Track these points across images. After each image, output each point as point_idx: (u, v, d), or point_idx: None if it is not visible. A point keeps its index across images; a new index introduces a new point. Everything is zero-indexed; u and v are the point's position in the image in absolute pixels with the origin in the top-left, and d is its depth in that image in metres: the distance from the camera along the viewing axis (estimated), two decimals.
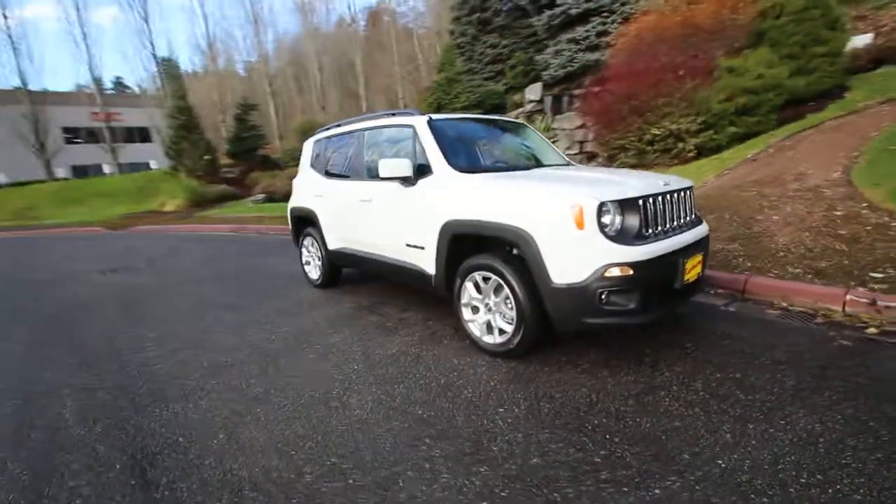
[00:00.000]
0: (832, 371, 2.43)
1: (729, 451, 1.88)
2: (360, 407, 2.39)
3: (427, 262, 3.23)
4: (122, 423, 2.40)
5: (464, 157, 3.30)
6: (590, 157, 11.40)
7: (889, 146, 5.70)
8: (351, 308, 4.02)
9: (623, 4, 14.34)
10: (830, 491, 1.63)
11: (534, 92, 16.60)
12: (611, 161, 9.33)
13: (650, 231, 2.56)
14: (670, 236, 2.62)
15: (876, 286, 3.32)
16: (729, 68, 8.14)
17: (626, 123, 8.81)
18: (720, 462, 1.82)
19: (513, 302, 2.66)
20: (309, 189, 4.60)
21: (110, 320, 4.23)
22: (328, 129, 4.69)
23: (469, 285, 2.94)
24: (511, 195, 2.68)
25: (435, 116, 3.43)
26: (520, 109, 16.73)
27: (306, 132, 20.40)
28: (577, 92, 14.58)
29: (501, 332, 2.81)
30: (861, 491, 1.62)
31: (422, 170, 3.22)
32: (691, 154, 8.26)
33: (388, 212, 3.54)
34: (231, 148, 19.56)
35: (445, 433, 2.12)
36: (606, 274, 2.37)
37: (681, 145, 8.31)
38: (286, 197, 16.87)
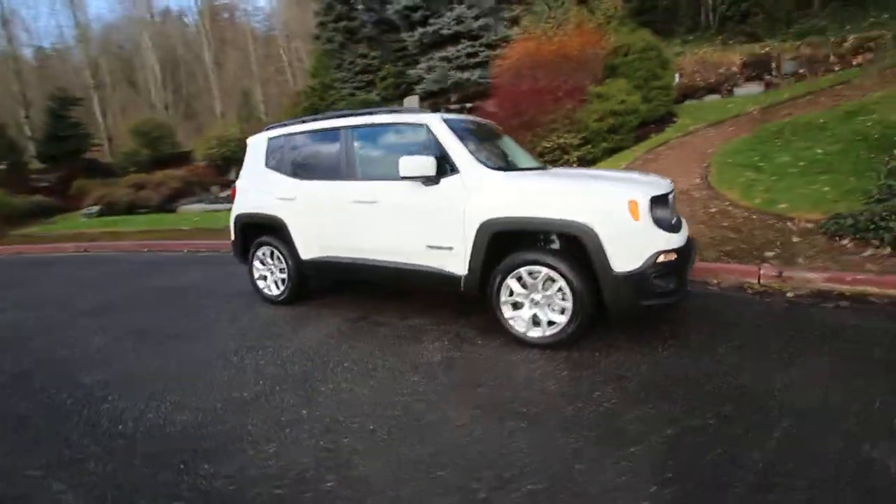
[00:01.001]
0: (802, 326, 3.13)
1: (808, 392, 2.26)
2: (464, 417, 2.25)
3: (455, 262, 3.15)
4: (173, 491, 1.83)
5: (483, 155, 3.32)
6: None
7: (727, 159, 7.42)
8: (344, 322, 3.66)
9: (487, 30, 15.68)
10: None
11: (411, 104, 17.02)
12: None
13: (675, 222, 2.96)
14: (681, 227, 3.07)
15: (774, 262, 4.33)
16: (598, 94, 9.59)
17: (519, 137, 9.66)
18: (812, 402, 2.19)
19: (568, 293, 2.79)
20: (269, 192, 4.04)
21: (7, 374, 3.08)
22: (284, 125, 4.20)
23: (512, 282, 2.98)
24: (567, 193, 2.84)
25: (445, 115, 3.39)
26: None
27: (148, 133, 17.35)
28: (453, 106, 15.42)
29: (551, 323, 2.91)
30: None
31: (440, 168, 3.14)
32: (574, 165, 9.47)
33: (401, 213, 3.35)
34: (44, 150, 15.38)
35: (570, 425, 2.15)
36: (658, 260, 2.67)
37: (566, 157, 9.46)
38: (130, 208, 14.11)
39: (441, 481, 1.80)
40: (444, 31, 15.89)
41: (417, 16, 16.39)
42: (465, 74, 15.79)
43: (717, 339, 2.97)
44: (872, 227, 4.49)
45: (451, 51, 16.01)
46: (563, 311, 2.87)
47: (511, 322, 3.04)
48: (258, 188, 4.18)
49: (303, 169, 3.96)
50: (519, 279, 2.97)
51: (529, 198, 2.90)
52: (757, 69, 13.07)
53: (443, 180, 3.14)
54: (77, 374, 2.95)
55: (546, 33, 10.78)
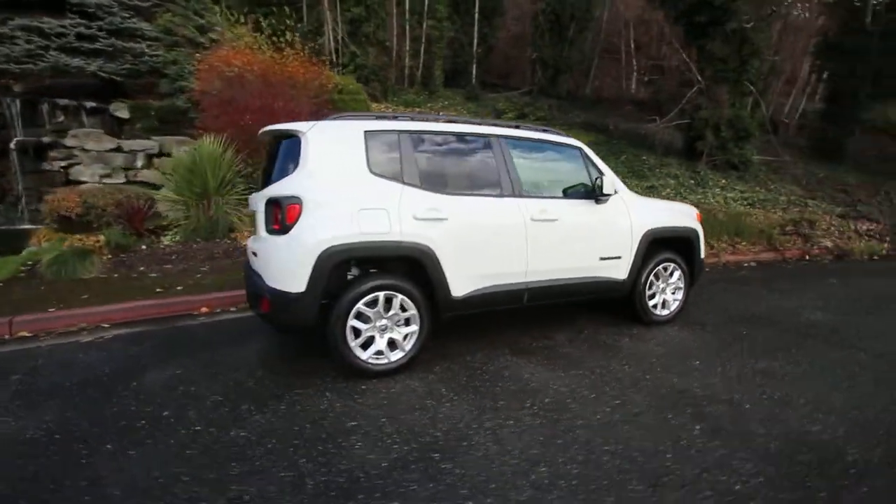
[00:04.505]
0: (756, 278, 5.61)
1: (797, 297, 4.55)
2: (792, 367, 3.14)
3: (621, 269, 3.65)
4: None
5: None
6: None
7: None
8: (533, 364, 3.17)
9: (111, 13, 12.17)
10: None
11: None
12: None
13: None
14: None
15: None
16: None
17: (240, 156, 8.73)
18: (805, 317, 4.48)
19: (683, 279, 4.02)
20: (392, 209, 2.72)
21: None
22: (380, 117, 2.94)
23: (651, 277, 3.86)
24: (682, 210, 4.11)
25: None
26: None
27: None
28: (91, 104, 10.89)
29: (674, 303, 4.02)
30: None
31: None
32: None
33: (580, 229, 3.42)
34: None
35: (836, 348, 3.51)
36: None
37: None
38: None
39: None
40: None
41: None
42: (76, 61, 11.50)
43: (728, 293, 4.98)
44: None
45: (48, 22, 11.29)
46: (674, 292, 4.05)
47: (654, 308, 3.90)
48: (363, 204, 2.69)
49: (445, 180, 2.99)
50: (656, 274, 3.89)
51: (666, 214, 3.94)
52: None
53: (609, 198, 3.57)
54: None
55: (273, 50, 9.99)
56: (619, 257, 3.64)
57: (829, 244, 7.65)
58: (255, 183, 8.76)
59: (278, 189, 2.74)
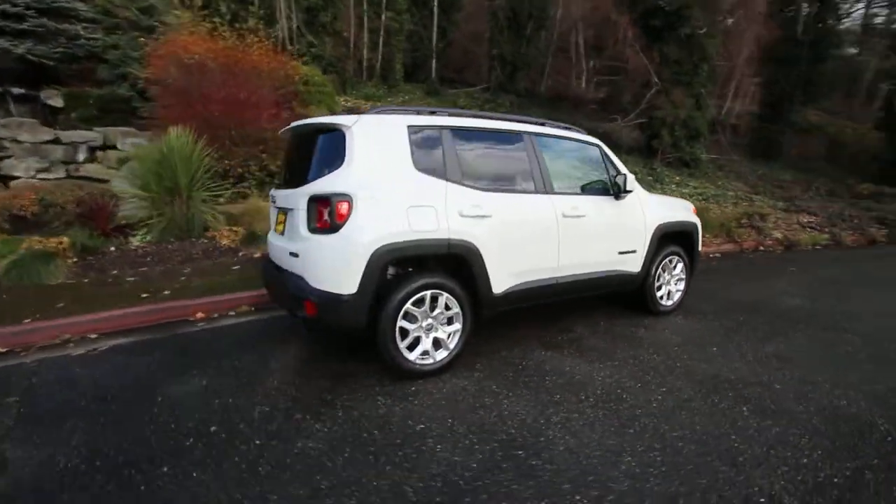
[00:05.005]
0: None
1: (757, 281, 4.92)
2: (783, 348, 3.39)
3: (635, 262, 3.80)
4: None
5: None
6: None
7: None
8: (582, 359, 3.23)
9: None
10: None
11: None
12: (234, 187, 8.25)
13: None
14: None
15: None
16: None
17: (243, 152, 8.27)
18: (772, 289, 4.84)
19: (685, 270, 4.24)
20: (440, 207, 2.66)
21: None
22: (418, 112, 2.85)
23: (659, 270, 4.04)
24: (683, 206, 4.29)
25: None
26: None
27: None
28: (19, 91, 9.74)
29: (677, 293, 4.24)
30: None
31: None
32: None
33: (602, 224, 3.52)
34: None
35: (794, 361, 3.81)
36: None
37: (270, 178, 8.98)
38: None
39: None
40: None
41: None
42: (1, 42, 10.32)
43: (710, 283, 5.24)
44: None
45: None
46: (678, 282, 4.27)
47: (661, 299, 4.09)
48: (412, 201, 2.61)
49: (484, 176, 2.96)
50: (663, 268, 4.08)
51: (672, 209, 4.13)
52: None
53: (628, 195, 3.69)
54: None
55: (237, 36, 9.40)
56: (634, 251, 3.79)
57: (779, 235, 8.35)
58: (226, 179, 8.23)
59: (324, 186, 2.59)
